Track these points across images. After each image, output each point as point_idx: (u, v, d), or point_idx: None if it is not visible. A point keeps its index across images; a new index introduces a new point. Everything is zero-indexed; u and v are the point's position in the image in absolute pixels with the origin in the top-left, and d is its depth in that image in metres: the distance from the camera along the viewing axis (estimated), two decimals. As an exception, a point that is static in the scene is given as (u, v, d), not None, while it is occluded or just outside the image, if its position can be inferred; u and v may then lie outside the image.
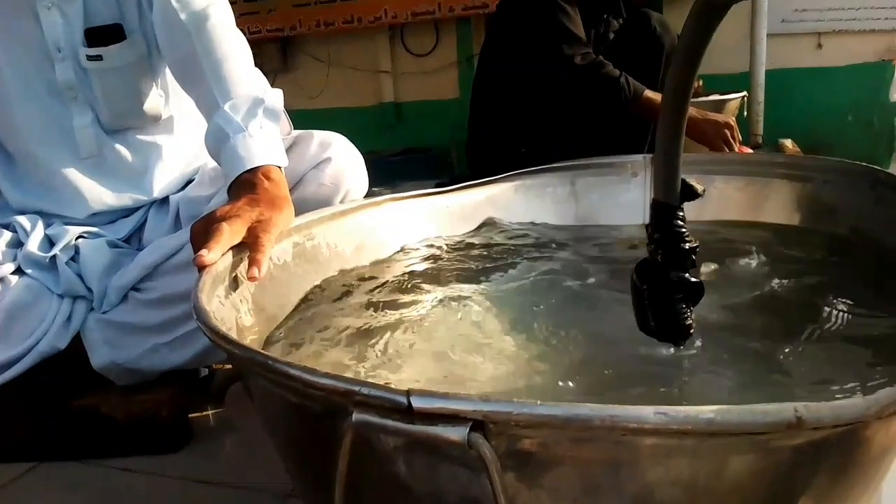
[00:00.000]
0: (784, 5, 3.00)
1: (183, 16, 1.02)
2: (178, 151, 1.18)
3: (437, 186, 1.25)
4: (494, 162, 1.50)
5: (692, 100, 1.65)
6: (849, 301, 0.79)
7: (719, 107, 1.96)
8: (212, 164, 1.15)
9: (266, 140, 0.91)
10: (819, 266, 0.92)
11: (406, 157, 3.61)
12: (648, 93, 1.72)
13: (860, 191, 0.96)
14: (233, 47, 1.01)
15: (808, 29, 3.07)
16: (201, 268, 0.71)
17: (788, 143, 2.83)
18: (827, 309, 0.78)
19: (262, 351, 0.51)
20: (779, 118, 2.98)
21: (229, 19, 1.06)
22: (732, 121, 1.78)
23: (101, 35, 1.06)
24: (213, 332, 0.57)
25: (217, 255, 0.73)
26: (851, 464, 0.47)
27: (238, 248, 0.78)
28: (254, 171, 0.87)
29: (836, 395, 0.59)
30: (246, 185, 0.86)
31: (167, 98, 1.15)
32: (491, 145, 1.91)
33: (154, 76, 1.13)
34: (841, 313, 0.77)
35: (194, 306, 0.63)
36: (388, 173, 3.08)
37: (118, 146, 1.13)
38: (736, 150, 1.74)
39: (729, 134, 1.74)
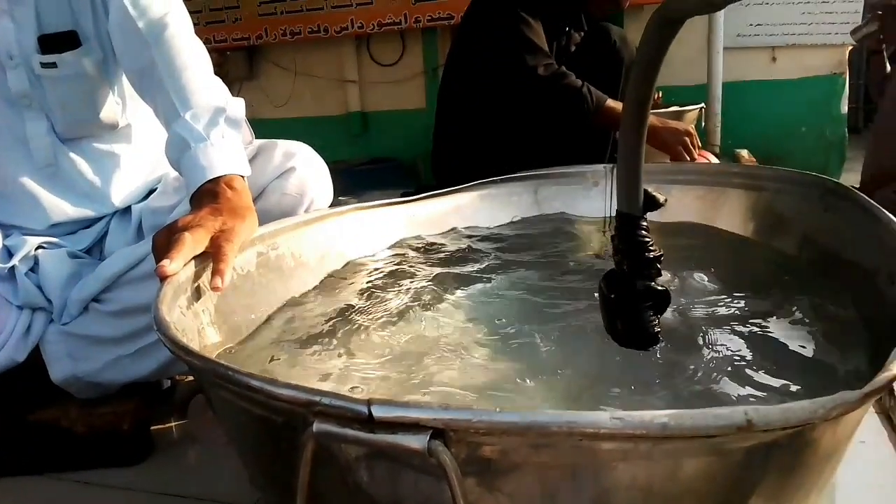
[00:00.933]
0: (739, 20, 3.08)
1: (141, 24, 1.01)
2: (138, 161, 1.17)
3: (403, 196, 1.25)
4: (459, 171, 1.51)
5: (651, 111, 1.67)
6: (797, 307, 0.81)
7: (678, 118, 2.01)
8: (175, 173, 1.14)
9: (228, 149, 0.90)
10: (770, 272, 0.95)
11: (372, 167, 3.61)
12: (610, 102, 1.75)
13: (810, 200, 0.99)
14: (192, 56, 1.01)
15: (762, 43, 3.15)
16: (163, 278, 0.71)
17: (744, 153, 2.90)
18: (776, 315, 0.81)
19: (223, 362, 0.51)
20: (735, 129, 3.06)
21: (188, 27, 1.05)
22: (692, 128, 1.82)
23: (56, 42, 1.04)
24: (173, 343, 0.56)
25: (179, 265, 0.73)
26: (801, 464, 0.48)
27: (201, 258, 0.78)
28: (216, 180, 0.87)
29: (785, 399, 0.61)
30: (208, 194, 0.85)
31: (124, 106, 1.14)
32: (456, 155, 1.92)
33: (110, 84, 1.11)
34: (789, 319, 0.79)
35: (155, 317, 0.62)
36: (355, 183, 3.07)
37: (74, 156, 1.11)
38: (696, 156, 1.78)
39: (689, 141, 1.77)
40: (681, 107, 2.08)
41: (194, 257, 0.76)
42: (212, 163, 0.88)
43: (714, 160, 1.87)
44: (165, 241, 0.77)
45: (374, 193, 2.62)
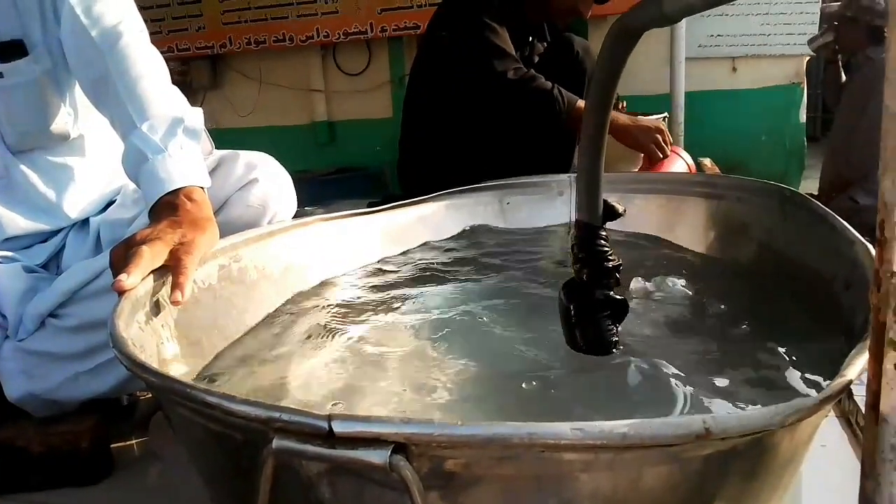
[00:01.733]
0: (700, 31, 3.15)
1: (94, 33, 0.99)
2: (93, 173, 1.14)
3: (369, 206, 1.25)
4: (425, 180, 1.51)
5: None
6: (758, 313, 0.83)
7: (642, 126, 2.03)
8: (134, 184, 1.12)
9: (187, 160, 0.89)
10: (731, 281, 0.97)
11: (339, 177, 3.60)
12: (581, 103, 1.74)
13: (769, 208, 1.01)
14: (148, 65, 0.99)
15: (723, 53, 3.22)
16: (120, 293, 0.69)
17: (707, 161, 2.95)
18: (738, 321, 0.82)
19: (180, 378, 0.50)
20: (698, 138, 3.11)
21: (143, 36, 1.03)
22: (663, 125, 1.84)
23: (2, 51, 1.02)
24: (129, 359, 0.55)
25: (137, 279, 0.71)
26: (760, 470, 0.49)
27: (160, 272, 0.76)
28: (175, 192, 0.85)
29: (747, 405, 0.62)
30: (167, 207, 0.84)
31: (76, 117, 1.11)
32: (422, 164, 1.92)
33: (61, 94, 1.09)
34: (751, 325, 0.80)
35: (111, 333, 0.61)
36: (322, 192, 3.06)
37: (26, 168, 1.08)
38: (668, 152, 1.80)
39: (661, 139, 1.79)
40: (644, 116, 2.10)
41: (153, 271, 0.75)
42: (170, 175, 0.86)
43: (686, 156, 1.89)
44: (123, 255, 0.76)
45: (340, 203, 2.62)
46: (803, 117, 3.30)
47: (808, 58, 3.28)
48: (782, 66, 3.21)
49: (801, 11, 3.14)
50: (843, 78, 3.11)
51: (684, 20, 2.68)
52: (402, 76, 3.60)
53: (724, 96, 3.19)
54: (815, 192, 3.03)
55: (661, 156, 1.78)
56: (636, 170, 1.85)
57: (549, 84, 1.73)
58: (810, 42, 3.08)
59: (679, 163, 1.87)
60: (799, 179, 3.33)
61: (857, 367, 0.47)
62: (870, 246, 0.72)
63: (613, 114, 1.81)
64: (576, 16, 1.89)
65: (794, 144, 3.30)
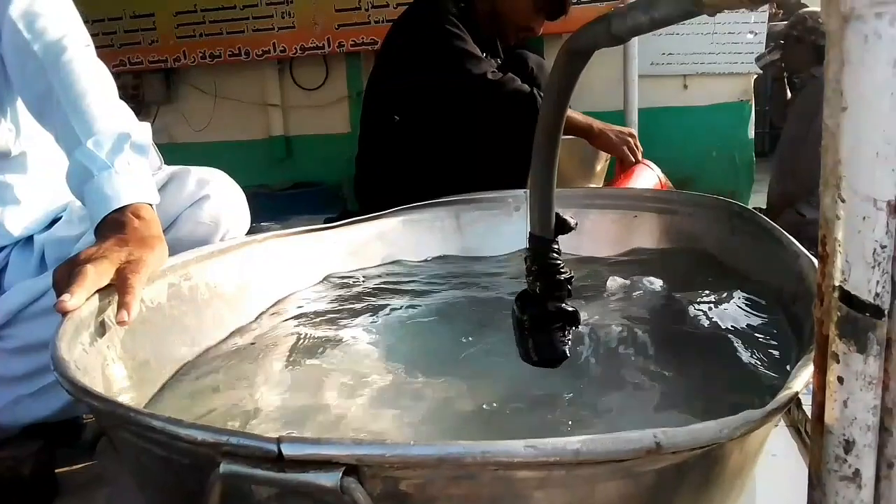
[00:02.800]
0: (653, 49, 3.22)
1: (36, 47, 0.96)
2: (36, 190, 1.11)
3: (326, 221, 1.24)
4: (382, 197, 1.50)
5: (573, 135, 1.71)
6: (709, 327, 0.84)
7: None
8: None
9: (134, 177, 0.86)
10: (685, 293, 0.98)
11: (296, 192, 3.57)
12: None
13: (719, 223, 1.03)
14: (93, 80, 0.96)
15: (674, 71, 3.30)
16: (63, 313, 0.67)
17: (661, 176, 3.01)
18: (691, 336, 0.83)
19: (124, 403, 0.48)
20: (651, 153, 3.15)
21: (89, 50, 1.00)
22: (634, 131, 1.89)
23: None
24: (70, 383, 0.53)
25: (81, 299, 0.69)
26: (711, 481, 0.49)
27: (106, 292, 0.74)
28: (122, 210, 0.83)
29: (693, 418, 0.62)
30: (114, 225, 0.81)
31: (18, 133, 1.07)
32: (379, 180, 1.91)
33: (2, 110, 1.05)
34: (702, 339, 0.82)
35: (52, 356, 0.59)
36: (278, 208, 3.03)
37: None
38: (640, 157, 1.85)
39: (632, 142, 1.84)
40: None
41: (98, 291, 0.73)
42: (117, 192, 0.84)
43: (655, 167, 1.93)
44: (67, 274, 0.73)
45: (297, 219, 2.59)
46: (752, 133, 3.39)
47: (755, 76, 3.38)
48: (731, 84, 3.30)
49: (748, 31, 3.23)
50: (789, 95, 3.21)
51: (637, 39, 2.74)
52: (359, 91, 3.59)
53: (675, 113, 3.26)
54: (764, 207, 3.12)
55: (633, 159, 1.83)
56: (599, 185, 1.88)
57: (527, 86, 1.74)
58: (758, 59, 3.18)
59: (648, 172, 1.91)
60: (749, 194, 3.41)
61: (802, 379, 0.48)
62: (814, 259, 0.74)
63: (588, 119, 1.85)
64: (528, 33, 1.92)
65: (744, 160, 3.38)
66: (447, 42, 1.74)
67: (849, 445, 0.38)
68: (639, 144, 1.87)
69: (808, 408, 0.87)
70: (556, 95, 0.68)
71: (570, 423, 0.65)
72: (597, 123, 1.85)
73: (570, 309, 0.71)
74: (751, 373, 0.73)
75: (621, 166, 1.86)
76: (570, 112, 1.77)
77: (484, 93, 1.73)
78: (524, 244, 0.74)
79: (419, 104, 1.84)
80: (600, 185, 2.03)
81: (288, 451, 0.41)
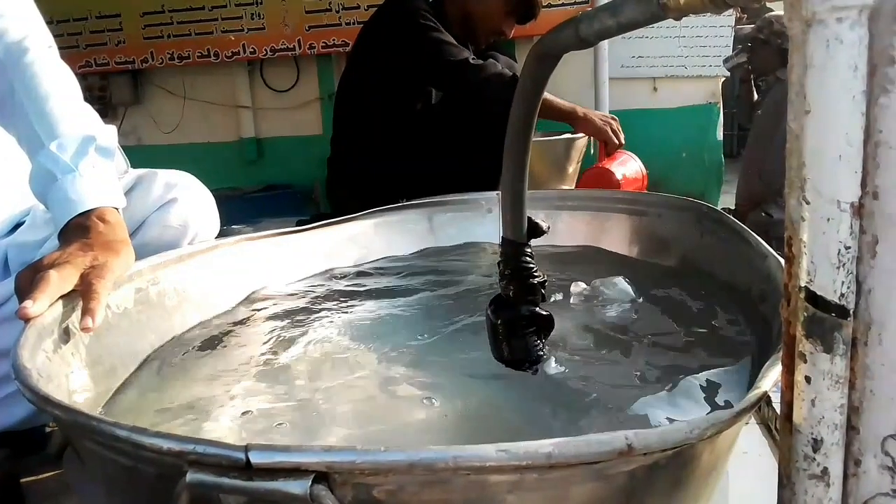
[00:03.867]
0: (623, 52, 3.25)
1: None
2: None
3: (298, 224, 1.22)
4: (355, 199, 1.49)
5: (548, 137, 1.72)
6: (679, 326, 0.85)
7: (569, 145, 2.07)
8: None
9: (99, 180, 0.85)
10: (655, 293, 0.99)
11: (268, 194, 3.54)
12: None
13: (688, 224, 1.04)
14: (57, 82, 0.94)
15: (644, 74, 3.34)
16: (25, 320, 0.65)
17: (632, 177, 3.04)
18: (662, 335, 0.84)
19: (87, 411, 0.47)
20: (622, 154, 3.21)
21: (52, 52, 0.98)
22: (616, 117, 1.92)
23: None
24: (32, 392, 0.52)
25: (43, 305, 0.67)
26: (683, 481, 0.50)
27: (70, 297, 0.72)
28: (86, 214, 0.81)
29: (664, 419, 0.63)
30: (78, 229, 0.80)
31: None
32: (351, 183, 1.90)
33: None
34: (672, 339, 0.82)
35: (14, 364, 0.58)
36: (250, 210, 3.00)
37: None
38: (622, 140, 1.87)
39: (615, 125, 1.87)
40: (572, 134, 2.15)
41: (62, 296, 0.71)
42: (81, 195, 0.82)
43: (635, 157, 1.95)
44: (29, 279, 0.71)
45: (269, 221, 2.57)
46: (720, 135, 3.45)
47: (723, 79, 3.43)
48: (699, 87, 3.35)
49: (716, 35, 3.28)
50: (755, 97, 3.27)
51: (607, 42, 2.77)
52: (331, 93, 3.56)
53: (645, 115, 3.30)
54: (733, 207, 3.16)
55: (617, 143, 1.85)
56: (571, 186, 1.89)
57: (508, 71, 1.75)
58: (725, 61, 3.23)
59: (632, 161, 1.93)
60: (718, 194, 3.46)
61: (770, 379, 0.49)
62: (782, 260, 0.75)
63: (572, 104, 1.85)
64: (498, 35, 1.92)
65: (713, 161, 3.43)
66: (424, 34, 1.74)
67: (817, 444, 0.39)
68: (621, 129, 1.89)
69: (777, 405, 0.88)
70: (526, 98, 0.68)
71: (538, 426, 0.66)
72: (581, 108, 1.87)
73: (545, 313, 0.71)
74: (719, 371, 0.74)
75: (605, 149, 1.88)
76: (553, 98, 1.79)
77: (467, 77, 1.72)
78: (497, 247, 0.74)
79: (393, 104, 1.83)
80: (572, 187, 2.04)
81: (256, 458, 0.40)
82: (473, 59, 1.74)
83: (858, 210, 0.39)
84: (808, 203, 0.40)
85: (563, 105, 1.85)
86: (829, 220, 0.39)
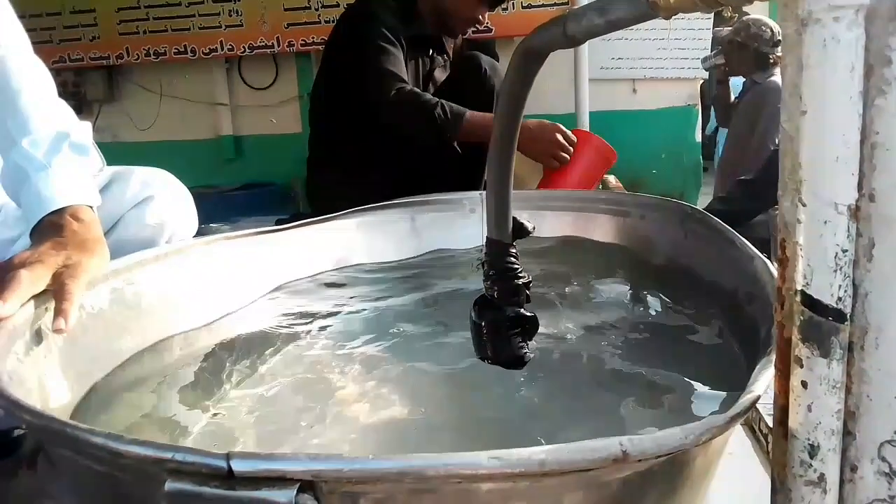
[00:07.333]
0: (603, 54, 3.26)
1: None
2: None
3: (277, 223, 1.20)
4: (335, 198, 1.47)
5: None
6: (665, 328, 0.84)
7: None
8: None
9: (73, 178, 0.82)
10: (640, 294, 0.99)
11: (247, 192, 3.50)
12: (474, 115, 1.67)
13: (672, 224, 1.04)
14: (30, 77, 0.91)
15: (624, 75, 3.35)
16: (-5, 322, 0.63)
17: (612, 178, 3.05)
18: (648, 338, 0.83)
19: (59, 417, 0.45)
20: (603, 156, 3.22)
21: (24, 46, 0.95)
22: (559, 125, 1.71)
23: None
24: (2, 396, 0.50)
25: (14, 306, 0.65)
26: (676, 487, 0.49)
27: (42, 298, 0.70)
28: (60, 212, 0.78)
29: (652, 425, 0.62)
30: (51, 228, 0.77)
31: None
32: (330, 181, 1.88)
33: None
34: (659, 341, 0.82)
35: (-17, 368, 0.55)
36: (228, 209, 2.96)
37: None
38: (568, 156, 1.67)
39: (560, 139, 1.67)
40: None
41: (33, 297, 0.68)
42: (54, 193, 0.79)
43: (601, 142, 1.79)
44: (-1, 279, 0.69)
45: (248, 220, 2.54)
46: (699, 137, 3.47)
47: (701, 81, 3.46)
48: (678, 89, 3.36)
49: (694, 38, 3.30)
50: (732, 98, 3.30)
51: (587, 44, 2.77)
52: (310, 91, 3.54)
53: (625, 116, 3.31)
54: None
55: (562, 162, 1.66)
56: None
57: (434, 99, 1.67)
58: (703, 61, 3.26)
59: (590, 151, 1.74)
60: (697, 195, 3.49)
61: (763, 383, 0.48)
62: (768, 262, 0.75)
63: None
64: (473, 23, 1.90)
65: (691, 163, 3.46)
66: (369, 58, 1.69)
67: (814, 450, 0.38)
68: (568, 136, 1.69)
69: (760, 407, 0.88)
70: (512, 97, 0.67)
71: (526, 432, 0.65)
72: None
73: (529, 314, 0.70)
74: (707, 376, 0.73)
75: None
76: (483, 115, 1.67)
77: (385, 111, 1.69)
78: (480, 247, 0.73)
79: (355, 111, 1.80)
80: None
81: (238, 467, 0.38)
82: (399, 90, 1.66)
83: (855, 213, 0.39)
84: (804, 205, 0.40)
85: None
86: (825, 222, 0.39)
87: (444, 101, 1.68)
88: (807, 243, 0.39)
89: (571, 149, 1.69)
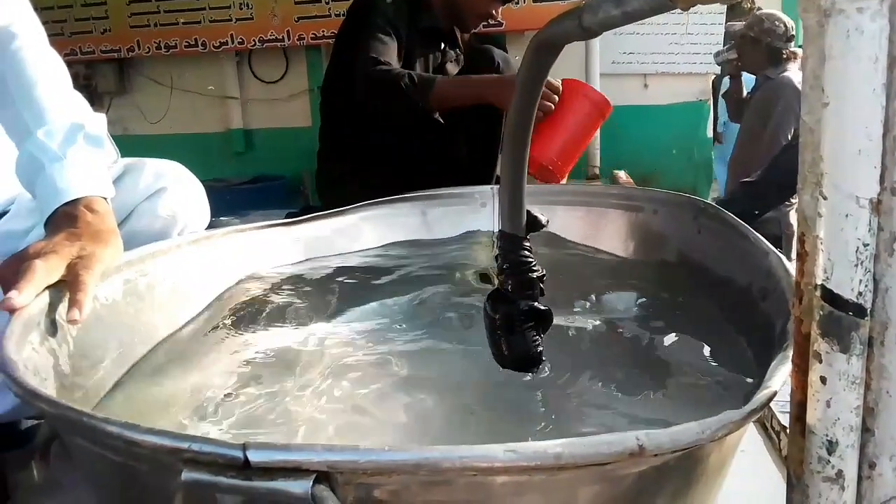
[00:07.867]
0: (614, 48, 3.25)
1: None
2: None
3: (287, 216, 1.21)
4: (345, 192, 1.47)
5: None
6: (679, 323, 0.84)
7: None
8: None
9: (87, 169, 0.82)
10: (653, 290, 0.98)
11: (257, 186, 3.51)
12: (442, 79, 1.63)
13: (684, 220, 1.03)
14: (45, 69, 0.92)
15: (635, 70, 3.33)
16: (11, 311, 0.64)
17: (622, 173, 3.04)
18: (664, 332, 0.83)
19: (76, 406, 0.45)
20: (613, 151, 3.21)
21: (40, 37, 0.96)
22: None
23: None
24: (19, 385, 0.50)
25: (29, 296, 0.65)
26: (691, 482, 0.49)
27: (57, 288, 0.70)
28: (74, 203, 0.78)
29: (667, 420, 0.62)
30: (65, 218, 0.77)
31: None
32: (341, 176, 1.88)
33: None
34: (673, 336, 0.82)
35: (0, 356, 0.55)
36: (238, 202, 2.97)
37: None
38: (555, 100, 1.59)
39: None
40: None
41: (48, 287, 0.69)
42: (69, 184, 0.80)
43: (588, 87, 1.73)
44: (14, 270, 0.69)
45: (258, 213, 2.54)
46: (710, 132, 3.45)
47: (713, 76, 3.44)
48: (690, 84, 3.35)
49: (706, 33, 3.28)
50: (745, 93, 3.28)
51: (598, 38, 2.76)
52: (321, 85, 3.54)
53: (636, 111, 3.29)
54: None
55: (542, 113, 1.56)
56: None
57: (403, 71, 1.62)
58: (716, 56, 3.24)
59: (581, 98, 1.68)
60: (708, 191, 3.48)
61: (779, 378, 0.48)
62: (783, 257, 0.74)
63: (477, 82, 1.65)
64: (486, 18, 1.89)
65: (702, 158, 3.45)
66: (363, 47, 1.66)
67: (832, 446, 0.38)
68: (549, 83, 1.57)
69: (773, 404, 0.88)
70: (526, 90, 0.67)
71: (539, 427, 0.64)
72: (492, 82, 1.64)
73: (543, 308, 0.70)
74: (721, 372, 0.73)
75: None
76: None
77: (359, 89, 1.66)
78: (491, 242, 0.73)
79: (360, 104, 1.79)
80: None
81: (254, 457, 0.39)
82: (377, 70, 1.62)
83: (877, 206, 0.38)
84: (824, 199, 0.39)
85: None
86: (847, 216, 0.38)
87: (413, 72, 1.63)
88: (827, 237, 0.39)
89: (556, 97, 1.61)
